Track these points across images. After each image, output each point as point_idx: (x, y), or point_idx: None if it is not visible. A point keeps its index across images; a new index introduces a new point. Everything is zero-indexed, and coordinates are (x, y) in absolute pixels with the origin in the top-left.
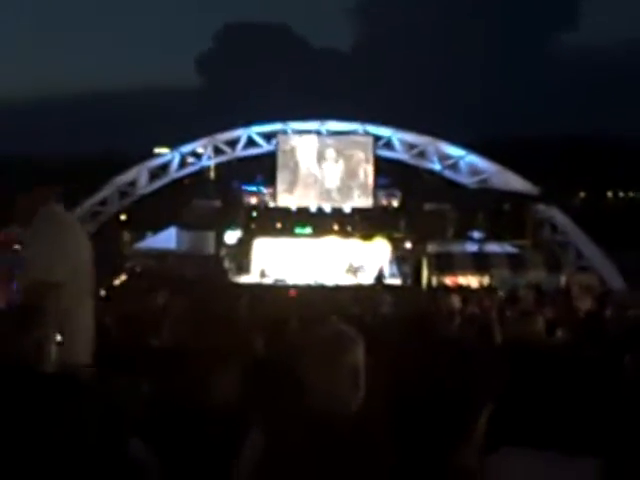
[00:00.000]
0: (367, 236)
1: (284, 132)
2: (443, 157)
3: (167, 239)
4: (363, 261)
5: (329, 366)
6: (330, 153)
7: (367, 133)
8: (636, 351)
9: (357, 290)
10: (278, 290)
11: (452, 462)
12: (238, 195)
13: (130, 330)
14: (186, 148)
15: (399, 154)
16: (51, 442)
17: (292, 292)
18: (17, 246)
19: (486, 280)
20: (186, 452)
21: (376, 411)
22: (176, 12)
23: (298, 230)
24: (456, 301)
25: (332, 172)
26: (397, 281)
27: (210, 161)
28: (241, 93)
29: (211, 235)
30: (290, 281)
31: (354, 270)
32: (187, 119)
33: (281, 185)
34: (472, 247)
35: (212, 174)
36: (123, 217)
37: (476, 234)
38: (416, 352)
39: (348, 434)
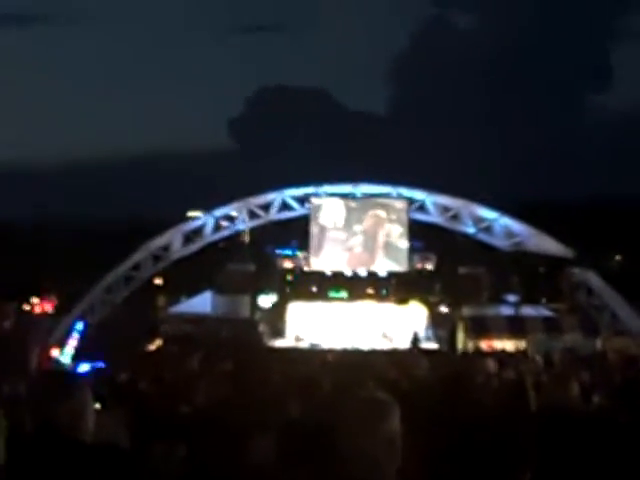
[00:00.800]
0: (402, 300)
1: (317, 195)
2: (477, 220)
3: (202, 303)
4: (398, 325)
5: (365, 434)
6: (364, 217)
7: (401, 196)
8: None
9: (393, 354)
10: (313, 354)
11: None
12: (272, 259)
13: (165, 394)
14: (220, 212)
15: (433, 217)
16: None
17: (329, 356)
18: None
19: (522, 344)
20: None
21: (412, 478)
22: (211, 73)
23: (333, 294)
24: (492, 365)
25: (367, 236)
26: (433, 345)
27: (244, 225)
28: (275, 156)
29: (246, 299)
30: (325, 345)
31: (389, 336)
32: (221, 182)
33: (314, 249)
34: (507, 310)
35: (246, 238)
36: (158, 281)
37: (511, 297)
38: (451, 415)
39: None
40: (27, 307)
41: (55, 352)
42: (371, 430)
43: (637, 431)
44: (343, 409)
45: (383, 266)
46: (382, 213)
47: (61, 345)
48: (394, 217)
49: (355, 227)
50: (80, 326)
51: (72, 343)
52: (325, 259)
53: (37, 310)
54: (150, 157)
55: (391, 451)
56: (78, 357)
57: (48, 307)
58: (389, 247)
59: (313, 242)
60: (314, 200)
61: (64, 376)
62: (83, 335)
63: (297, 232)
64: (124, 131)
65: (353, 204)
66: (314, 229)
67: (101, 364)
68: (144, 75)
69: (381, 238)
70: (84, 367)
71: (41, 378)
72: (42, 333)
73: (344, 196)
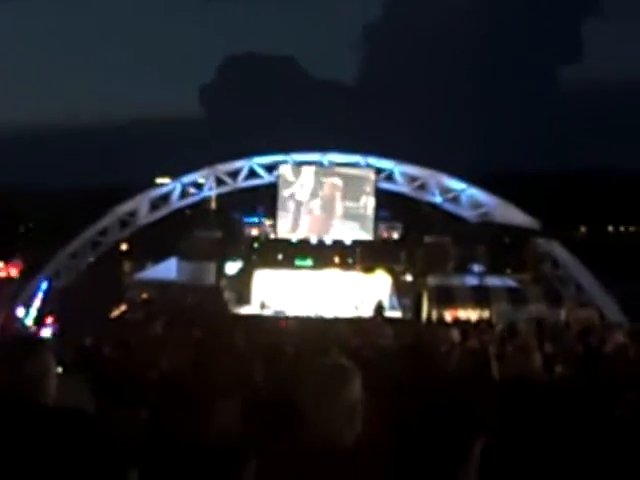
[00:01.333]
0: (368, 268)
1: (285, 163)
2: (444, 190)
3: (168, 269)
4: (363, 294)
5: (327, 399)
6: (331, 185)
7: (369, 165)
8: (632, 389)
9: (357, 322)
10: (278, 321)
11: None
12: (239, 226)
13: (129, 360)
14: (187, 178)
15: (400, 187)
16: (52, 474)
17: (282, 322)
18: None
19: (486, 314)
20: None
21: (372, 443)
22: (180, 43)
23: (299, 262)
24: (455, 335)
25: (333, 204)
26: (397, 314)
27: (211, 192)
28: (243, 124)
29: (212, 266)
30: (290, 313)
31: (354, 304)
32: (189, 149)
33: (281, 216)
34: (472, 280)
35: (213, 205)
36: (124, 247)
37: (476, 267)
38: (413, 384)
39: (344, 466)
40: None
41: (20, 313)
42: (332, 395)
43: (595, 400)
44: (305, 375)
45: (346, 234)
46: (362, 186)
47: (26, 307)
48: (360, 186)
49: (320, 194)
50: (44, 285)
51: (36, 304)
52: (290, 226)
53: (2, 275)
54: (120, 124)
55: (352, 417)
56: (41, 319)
57: (14, 271)
58: (354, 215)
59: (280, 209)
60: (282, 168)
61: (26, 339)
62: (47, 295)
63: (264, 200)
64: (93, 98)
65: (320, 172)
66: (281, 196)
67: (64, 328)
68: (115, 44)
69: (345, 207)
70: (47, 331)
71: (2, 342)
72: (7, 297)
73: (312, 164)
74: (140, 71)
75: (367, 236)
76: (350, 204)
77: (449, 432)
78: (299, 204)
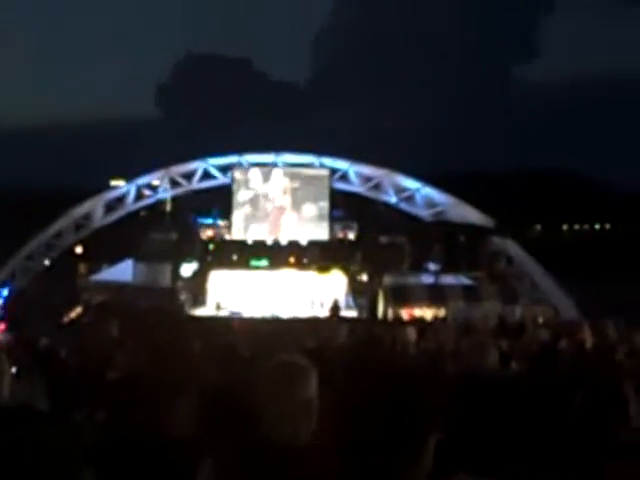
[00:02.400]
0: (323, 268)
1: (240, 165)
2: (399, 190)
3: (123, 271)
4: (319, 294)
5: (282, 398)
6: (285, 186)
7: (323, 166)
8: (587, 384)
9: (313, 322)
10: (234, 322)
11: None
12: (194, 228)
13: (85, 362)
14: (142, 180)
15: (355, 187)
16: (6, 474)
17: (235, 323)
18: None
19: (442, 312)
20: None
21: (328, 441)
22: (136, 42)
23: (254, 262)
24: (411, 333)
25: (287, 205)
26: (353, 313)
27: (166, 193)
28: (198, 125)
29: (167, 268)
30: (246, 313)
31: (311, 304)
32: (144, 151)
33: (236, 218)
34: (428, 279)
35: (168, 207)
36: (79, 249)
37: (432, 266)
38: (366, 380)
39: (299, 465)
40: None
41: None
42: (287, 393)
43: (549, 396)
44: (260, 374)
45: (301, 234)
46: (317, 187)
47: None
48: (315, 187)
49: (274, 196)
50: (5, 292)
51: None
52: (245, 227)
53: None
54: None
55: (307, 415)
56: None
57: None
58: (309, 215)
59: (234, 211)
60: (236, 170)
61: None
62: (6, 301)
63: (219, 201)
64: (48, 97)
65: (274, 173)
66: (235, 198)
67: (19, 330)
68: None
69: (300, 207)
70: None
71: None
72: None
73: (266, 165)
74: (95, 69)
75: (322, 236)
76: (305, 204)
77: (403, 427)
78: (253, 205)
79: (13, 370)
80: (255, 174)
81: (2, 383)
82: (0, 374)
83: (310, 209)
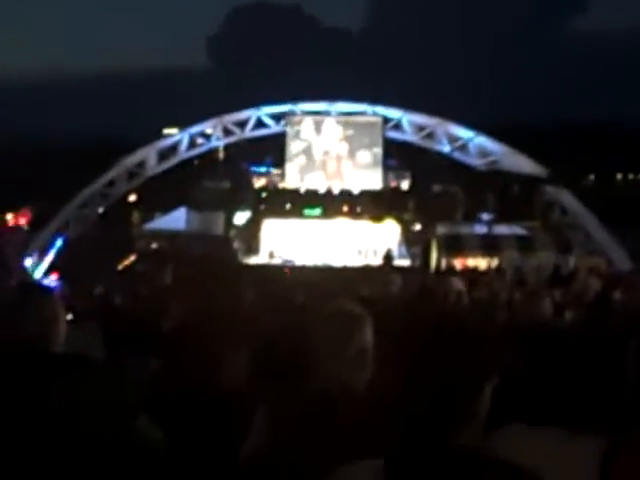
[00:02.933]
0: (376, 218)
1: (293, 113)
2: (452, 139)
3: (176, 220)
4: (372, 243)
5: (338, 346)
6: (339, 134)
7: (376, 114)
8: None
9: (366, 271)
10: (287, 271)
11: (455, 440)
12: (247, 176)
13: (139, 310)
14: (195, 129)
15: (408, 135)
16: (60, 422)
17: (288, 271)
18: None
19: (495, 262)
20: (193, 431)
21: (383, 390)
22: None
23: (307, 211)
24: (463, 283)
25: (341, 153)
26: (406, 262)
27: (219, 142)
28: (250, 74)
29: (220, 216)
30: (299, 262)
31: (363, 253)
32: (197, 100)
33: (290, 167)
34: (481, 229)
35: (221, 155)
36: (132, 198)
37: (485, 216)
38: (422, 331)
39: (353, 415)
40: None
41: (28, 264)
42: (344, 343)
43: (603, 346)
44: (315, 322)
45: (355, 183)
46: (370, 135)
47: (36, 258)
48: (369, 134)
49: (328, 144)
50: (59, 242)
51: (48, 259)
52: (299, 175)
53: (11, 224)
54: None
55: (362, 364)
56: (51, 272)
57: (22, 221)
58: (362, 164)
59: (288, 159)
60: (289, 119)
61: (35, 286)
62: (60, 251)
63: (272, 149)
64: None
65: (328, 122)
66: (289, 146)
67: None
68: None
69: (354, 154)
70: (54, 281)
71: (11, 289)
72: (17, 246)
73: (320, 114)
74: (147, 20)
75: (376, 185)
76: (359, 151)
77: (458, 378)
78: (307, 154)
79: (69, 317)
80: (308, 124)
81: (58, 329)
82: (55, 321)
83: (364, 156)
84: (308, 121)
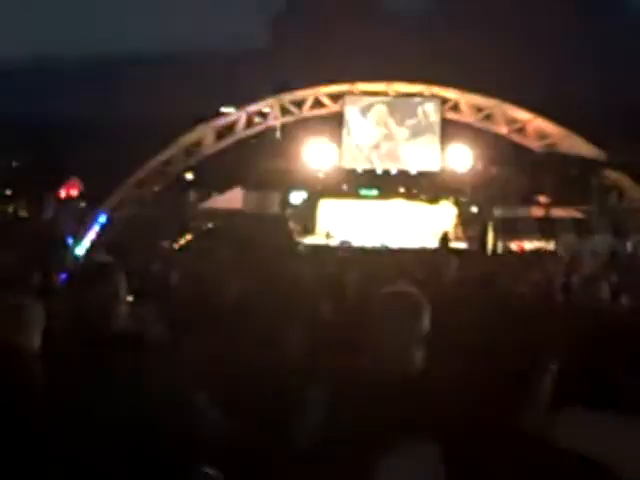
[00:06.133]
0: (433, 199)
1: (351, 93)
2: (510, 121)
3: (233, 199)
4: (428, 225)
5: (397, 329)
6: (396, 115)
7: (434, 95)
8: None
9: (422, 253)
10: (343, 251)
11: (517, 422)
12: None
13: (195, 289)
14: (252, 108)
15: (466, 117)
16: (120, 400)
17: (345, 252)
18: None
19: (551, 245)
20: (250, 408)
21: (441, 373)
22: None
23: (364, 192)
24: (521, 267)
25: (398, 134)
26: (462, 245)
27: (276, 121)
28: (309, 53)
29: (276, 195)
30: (355, 242)
31: (419, 234)
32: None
33: (347, 148)
34: (538, 212)
35: (278, 134)
36: (189, 176)
37: (542, 199)
38: (480, 314)
39: (412, 395)
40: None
41: (69, 241)
42: (403, 326)
43: None
44: (374, 304)
45: (411, 164)
46: (427, 116)
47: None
48: (426, 117)
49: (386, 125)
50: (103, 219)
51: (90, 235)
52: (355, 156)
53: (62, 195)
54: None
55: (420, 347)
56: (94, 250)
57: (74, 192)
58: (420, 145)
59: (345, 139)
60: (348, 98)
61: (100, 263)
62: (103, 228)
63: (329, 130)
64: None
65: (386, 102)
66: (346, 126)
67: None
68: None
69: (412, 136)
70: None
71: (80, 265)
72: (72, 218)
73: (378, 94)
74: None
75: (433, 166)
76: (415, 135)
77: (518, 359)
78: (364, 134)
79: (130, 298)
80: (365, 102)
81: (119, 307)
82: (118, 297)
83: (421, 137)
84: (365, 101)
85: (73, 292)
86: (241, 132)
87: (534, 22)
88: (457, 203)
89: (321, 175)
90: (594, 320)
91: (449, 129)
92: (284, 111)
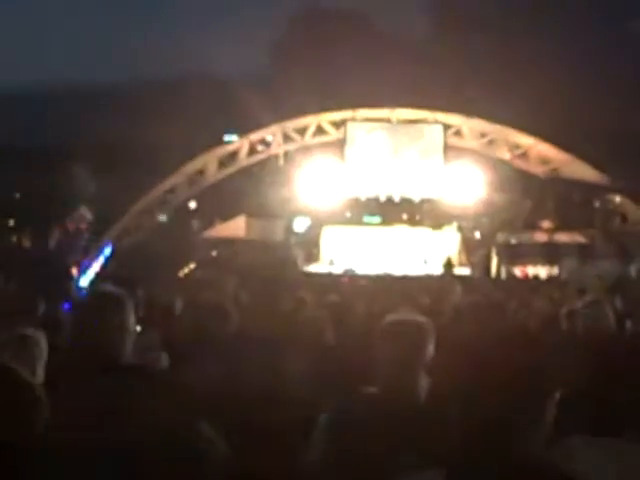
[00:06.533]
0: (436, 225)
1: (353, 120)
2: (513, 146)
3: (236, 227)
4: (432, 251)
5: (402, 356)
6: (399, 141)
7: (437, 121)
8: None
9: (426, 280)
10: (347, 279)
11: (520, 450)
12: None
13: (199, 317)
14: (255, 135)
15: (469, 142)
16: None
17: (350, 280)
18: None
19: (555, 270)
20: (254, 436)
21: (443, 401)
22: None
23: (367, 219)
24: (524, 293)
25: (401, 161)
26: (466, 271)
27: (279, 148)
28: (311, 80)
29: (280, 223)
30: (359, 270)
31: (424, 261)
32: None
33: (349, 173)
34: (541, 237)
35: (281, 162)
36: (192, 205)
37: (545, 224)
38: (484, 340)
39: (415, 425)
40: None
41: (74, 272)
42: (407, 353)
43: None
44: (378, 332)
45: (416, 191)
46: (430, 143)
47: (83, 267)
48: (429, 142)
49: (389, 151)
50: (108, 251)
51: (95, 267)
52: (357, 184)
53: (71, 228)
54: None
55: (424, 373)
56: (99, 279)
57: (82, 225)
58: (423, 172)
59: (354, 167)
60: (350, 125)
61: (111, 292)
62: (108, 260)
63: (332, 156)
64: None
65: (389, 129)
66: (349, 154)
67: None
68: None
69: (414, 163)
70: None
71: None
72: (79, 252)
73: (380, 120)
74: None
75: (436, 192)
76: (418, 160)
77: (522, 387)
78: (366, 160)
79: (138, 328)
80: (368, 129)
81: (123, 338)
82: (125, 329)
83: (424, 163)
84: (367, 128)
85: (81, 323)
86: (244, 160)
87: (536, 47)
88: (460, 229)
89: (324, 202)
90: (598, 347)
91: (452, 154)
92: (286, 138)
